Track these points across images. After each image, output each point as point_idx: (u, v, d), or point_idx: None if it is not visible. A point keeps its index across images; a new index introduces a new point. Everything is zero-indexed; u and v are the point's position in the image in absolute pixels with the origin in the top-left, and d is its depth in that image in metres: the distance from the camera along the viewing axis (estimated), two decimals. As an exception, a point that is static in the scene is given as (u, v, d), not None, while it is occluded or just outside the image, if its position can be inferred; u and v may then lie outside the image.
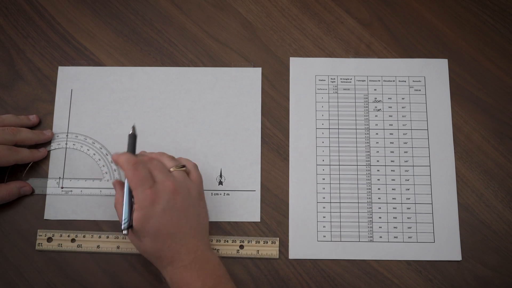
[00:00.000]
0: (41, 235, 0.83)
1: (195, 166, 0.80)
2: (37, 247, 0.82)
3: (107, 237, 0.83)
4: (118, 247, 0.82)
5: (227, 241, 0.83)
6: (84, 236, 0.83)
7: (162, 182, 0.73)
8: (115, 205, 0.77)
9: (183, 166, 0.78)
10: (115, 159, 0.76)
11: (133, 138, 0.79)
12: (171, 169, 0.76)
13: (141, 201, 0.72)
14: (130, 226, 0.74)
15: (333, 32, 0.93)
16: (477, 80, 0.90)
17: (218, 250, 0.82)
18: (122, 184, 0.77)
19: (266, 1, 0.94)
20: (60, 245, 0.83)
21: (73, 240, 0.83)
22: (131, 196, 0.75)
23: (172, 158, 0.79)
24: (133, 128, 0.80)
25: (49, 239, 0.83)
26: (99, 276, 0.82)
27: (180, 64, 0.91)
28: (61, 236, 0.83)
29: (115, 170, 0.86)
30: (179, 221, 0.73)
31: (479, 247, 0.83)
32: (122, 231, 0.74)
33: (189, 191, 0.75)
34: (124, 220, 0.74)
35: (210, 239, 0.83)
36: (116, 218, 0.84)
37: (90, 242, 0.83)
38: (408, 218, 0.84)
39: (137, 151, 0.86)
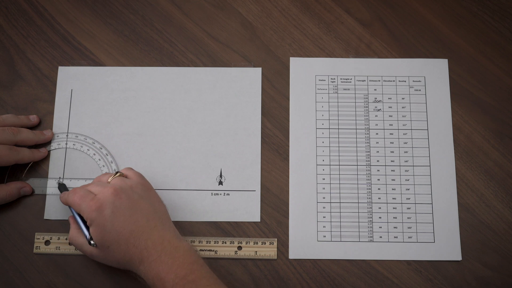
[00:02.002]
0: (38, 238, 0.83)
1: (130, 168, 0.82)
2: (35, 250, 0.82)
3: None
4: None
5: (225, 243, 0.83)
6: (81, 239, 0.83)
7: (101, 191, 0.75)
8: (69, 242, 0.79)
9: (117, 172, 0.79)
10: (62, 200, 0.80)
11: (63, 186, 0.84)
12: (108, 180, 0.78)
13: (88, 214, 0.74)
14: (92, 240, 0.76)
15: (333, 32, 0.93)
16: (477, 80, 0.90)
17: (216, 251, 0.82)
18: (72, 217, 0.79)
19: (266, 1, 0.94)
20: (58, 248, 0.82)
21: (71, 243, 0.83)
22: (82, 219, 0.77)
23: (106, 173, 0.81)
24: (58, 180, 0.85)
25: (47, 242, 0.83)
26: (99, 276, 0.82)
27: (180, 64, 0.91)
28: (58, 239, 0.83)
29: (115, 170, 0.86)
30: (133, 216, 0.74)
31: (479, 247, 0.83)
32: (92, 245, 0.76)
33: (131, 188, 0.76)
34: (88, 237, 0.76)
35: (208, 240, 0.83)
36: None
37: (88, 245, 0.83)
38: (408, 218, 0.84)
39: (137, 149, 0.86)
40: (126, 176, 0.80)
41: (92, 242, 0.75)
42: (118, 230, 0.73)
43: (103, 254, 0.75)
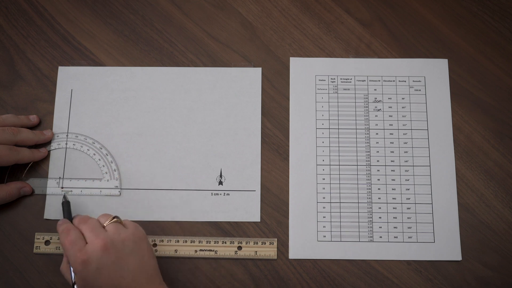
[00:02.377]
0: (38, 238, 0.83)
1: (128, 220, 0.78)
2: (35, 250, 0.82)
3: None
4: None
5: (225, 243, 0.83)
6: (81, 239, 0.83)
7: (92, 241, 0.72)
8: (61, 269, 0.77)
9: (115, 217, 0.76)
10: (57, 229, 0.77)
11: (67, 205, 0.81)
12: (105, 224, 0.75)
13: (74, 265, 0.72)
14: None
15: (333, 32, 0.93)
16: (477, 80, 0.90)
17: (216, 251, 0.82)
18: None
19: (266, 1, 0.94)
20: (58, 248, 0.82)
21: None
22: None
23: (107, 215, 0.78)
24: (64, 196, 0.82)
25: (47, 242, 0.83)
26: (99, 276, 0.82)
27: (180, 64, 0.91)
28: (58, 239, 0.83)
29: (115, 170, 0.86)
30: (118, 273, 0.71)
31: (479, 247, 0.83)
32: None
33: (123, 241, 0.73)
34: (73, 280, 0.74)
35: (208, 240, 0.83)
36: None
37: (87, 245, 0.83)
38: (408, 218, 0.84)
39: (137, 149, 0.86)
40: (122, 224, 0.76)
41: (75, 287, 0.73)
42: (101, 286, 0.71)
43: None
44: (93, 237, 0.73)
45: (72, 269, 0.74)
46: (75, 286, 0.73)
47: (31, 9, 0.93)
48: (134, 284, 0.72)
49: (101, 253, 0.71)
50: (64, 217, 0.80)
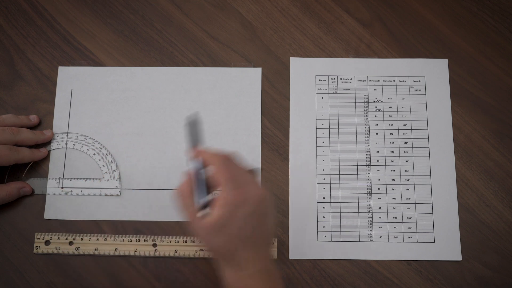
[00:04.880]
0: (38, 238, 0.83)
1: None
2: (35, 250, 0.82)
3: (105, 240, 0.83)
4: (116, 250, 0.82)
5: (226, 243, 0.83)
6: (82, 239, 0.83)
7: (250, 186, 0.68)
8: (178, 194, 0.69)
9: (251, 169, 0.71)
10: (196, 154, 0.70)
11: (194, 125, 0.69)
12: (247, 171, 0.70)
13: (227, 199, 0.66)
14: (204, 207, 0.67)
15: (333, 32, 0.93)
16: (477, 80, 0.90)
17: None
18: (194, 174, 0.70)
19: (266, 1, 0.94)
20: (58, 248, 0.83)
21: (71, 243, 0.83)
22: (208, 186, 0.68)
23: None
24: (195, 114, 0.69)
25: (47, 242, 0.83)
26: (99, 276, 0.82)
27: (180, 64, 0.91)
28: (58, 239, 0.83)
29: (115, 170, 0.86)
30: (257, 229, 0.68)
31: (479, 247, 0.83)
32: (198, 210, 0.67)
33: (271, 198, 0.71)
34: (204, 201, 0.67)
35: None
36: (116, 219, 0.84)
37: (88, 245, 0.82)
38: (408, 218, 0.84)
39: (137, 149, 0.85)
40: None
41: (203, 210, 0.66)
42: (237, 233, 0.67)
43: (205, 234, 0.68)
44: (250, 181, 0.68)
45: (203, 190, 0.68)
46: (203, 209, 0.67)
47: (31, 9, 0.94)
48: (259, 245, 0.69)
49: (257, 202, 0.67)
50: (193, 141, 0.70)
